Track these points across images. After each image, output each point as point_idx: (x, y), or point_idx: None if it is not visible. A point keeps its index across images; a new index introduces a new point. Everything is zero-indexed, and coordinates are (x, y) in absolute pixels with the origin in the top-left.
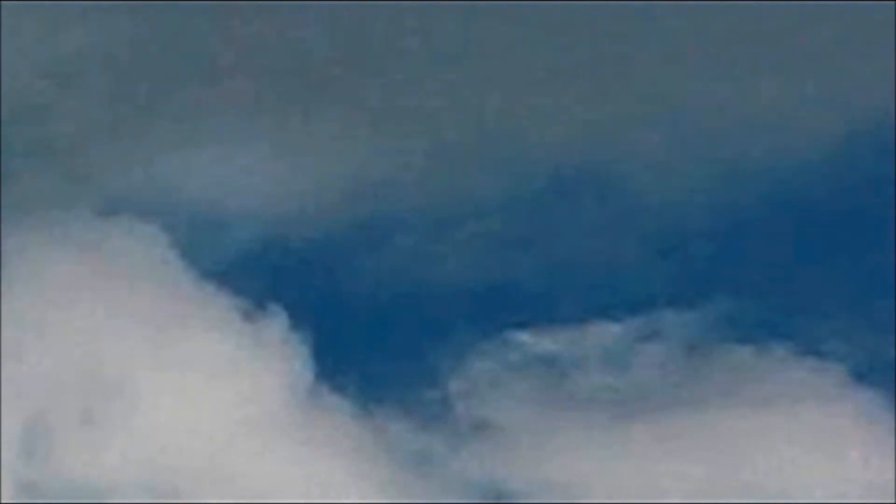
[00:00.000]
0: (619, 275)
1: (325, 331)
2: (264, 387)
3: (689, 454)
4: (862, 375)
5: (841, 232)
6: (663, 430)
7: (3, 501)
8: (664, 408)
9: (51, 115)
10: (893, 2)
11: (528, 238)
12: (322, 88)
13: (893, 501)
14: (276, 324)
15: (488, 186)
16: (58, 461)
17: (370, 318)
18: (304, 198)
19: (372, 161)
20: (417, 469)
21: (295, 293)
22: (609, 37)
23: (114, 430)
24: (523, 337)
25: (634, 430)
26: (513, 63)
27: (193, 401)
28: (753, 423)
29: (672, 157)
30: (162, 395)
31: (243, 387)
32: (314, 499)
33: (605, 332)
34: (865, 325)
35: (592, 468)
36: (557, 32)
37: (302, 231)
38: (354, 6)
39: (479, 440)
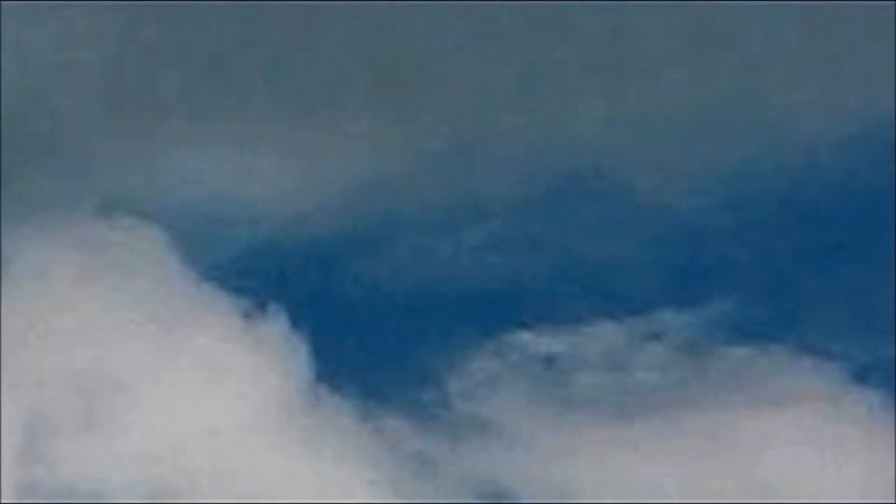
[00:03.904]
0: (619, 275)
1: (325, 331)
2: (264, 387)
3: (689, 454)
4: (862, 375)
5: (841, 232)
6: (663, 430)
7: (3, 501)
8: (664, 408)
9: (51, 115)
10: (893, 2)
11: (528, 238)
12: (322, 89)
13: (893, 502)
14: (276, 324)
15: (488, 187)
16: (58, 461)
17: (370, 319)
18: (304, 198)
19: (371, 161)
20: (417, 469)
21: (295, 293)
22: (612, 37)
23: (114, 430)
24: (523, 337)
25: (634, 430)
26: (514, 64)
27: (193, 401)
28: (753, 423)
29: (673, 158)
30: (162, 395)
31: (243, 387)
32: (314, 499)
33: (605, 332)
34: (865, 325)
35: (592, 468)
36: (562, 33)
37: (302, 231)
38: (356, 7)
39: (479, 440)
